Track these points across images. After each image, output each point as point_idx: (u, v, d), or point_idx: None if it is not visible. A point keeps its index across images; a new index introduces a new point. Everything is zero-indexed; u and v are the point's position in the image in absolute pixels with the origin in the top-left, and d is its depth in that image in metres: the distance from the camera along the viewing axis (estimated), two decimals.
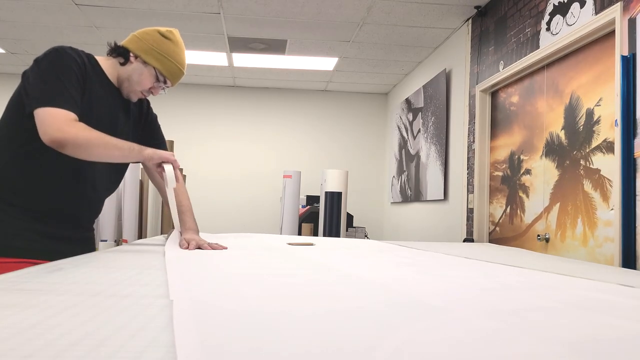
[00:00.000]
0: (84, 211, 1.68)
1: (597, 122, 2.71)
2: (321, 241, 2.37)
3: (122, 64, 1.65)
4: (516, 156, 3.53)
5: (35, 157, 1.53)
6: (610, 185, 2.56)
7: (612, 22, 2.52)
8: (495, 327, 0.69)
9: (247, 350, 0.54)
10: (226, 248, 1.79)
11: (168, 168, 1.59)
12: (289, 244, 2.12)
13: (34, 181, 1.54)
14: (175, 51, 1.68)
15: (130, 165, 1.91)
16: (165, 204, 1.92)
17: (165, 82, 1.70)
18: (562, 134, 3.02)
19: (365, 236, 5.82)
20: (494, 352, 0.57)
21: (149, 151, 1.56)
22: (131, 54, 1.65)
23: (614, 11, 2.49)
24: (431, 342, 0.60)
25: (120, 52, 1.65)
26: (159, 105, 7.57)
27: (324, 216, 4.83)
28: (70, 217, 1.63)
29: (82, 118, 1.50)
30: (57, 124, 1.40)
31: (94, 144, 1.44)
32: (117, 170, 1.77)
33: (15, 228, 1.51)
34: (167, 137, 2.02)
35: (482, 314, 0.77)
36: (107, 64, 1.65)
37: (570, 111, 2.95)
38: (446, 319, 0.73)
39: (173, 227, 1.92)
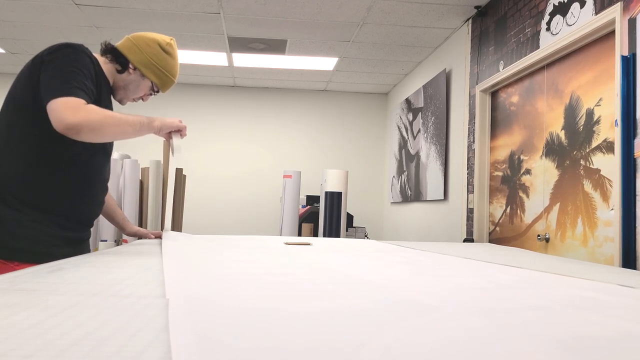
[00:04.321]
0: (96, 210, 1.71)
1: (597, 122, 2.71)
2: (319, 241, 2.37)
3: (119, 72, 1.65)
4: (516, 156, 3.53)
5: (54, 158, 1.52)
6: (610, 185, 2.56)
7: (612, 22, 2.52)
8: (486, 325, 0.69)
9: (240, 348, 0.54)
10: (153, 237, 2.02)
11: (176, 137, 1.68)
12: (286, 243, 2.12)
13: (54, 183, 1.53)
14: (173, 66, 1.72)
15: (130, 164, 1.94)
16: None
17: (157, 92, 1.75)
18: (562, 134, 3.02)
19: (365, 236, 5.82)
20: (483, 349, 0.57)
21: (158, 122, 1.60)
22: (130, 65, 1.65)
23: (614, 11, 2.49)
24: (421, 339, 0.60)
25: (119, 60, 1.65)
26: (159, 105, 7.50)
27: (324, 216, 4.83)
28: (86, 217, 1.66)
29: None
30: (68, 111, 1.39)
31: (108, 123, 1.43)
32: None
33: (41, 233, 1.50)
34: None
35: (474, 312, 0.78)
36: (107, 67, 1.65)
37: (570, 111, 2.95)
38: (437, 317, 0.73)
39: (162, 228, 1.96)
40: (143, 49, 1.65)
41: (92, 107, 1.44)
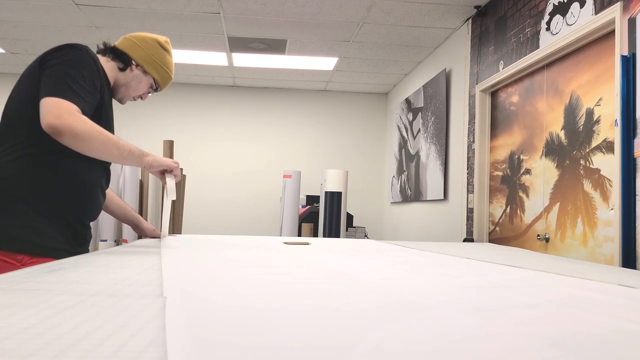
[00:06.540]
0: (99, 207, 1.71)
1: (597, 122, 2.71)
2: (318, 241, 2.37)
3: (122, 70, 1.67)
4: (516, 156, 3.53)
5: (59, 156, 1.51)
6: (610, 185, 2.56)
7: (612, 22, 2.52)
8: (476, 323, 0.70)
9: (237, 346, 0.54)
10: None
11: (170, 181, 1.62)
12: (285, 243, 2.12)
13: (60, 182, 1.52)
14: (171, 62, 1.77)
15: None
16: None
17: (156, 90, 1.78)
18: (562, 134, 3.02)
19: (365, 236, 5.83)
20: (479, 348, 0.58)
21: (150, 158, 1.58)
22: (133, 62, 1.68)
23: (614, 11, 2.49)
24: (415, 338, 0.61)
25: (122, 58, 1.67)
26: (159, 105, 7.49)
27: (324, 216, 4.84)
28: (91, 215, 1.66)
29: (95, 121, 1.51)
30: (56, 111, 1.38)
31: (92, 137, 1.41)
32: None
33: (49, 228, 1.50)
34: (167, 137, 2.07)
35: (466, 310, 0.78)
36: (108, 66, 1.66)
37: (570, 111, 2.95)
38: (429, 315, 0.73)
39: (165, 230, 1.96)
40: (144, 46, 1.70)
41: (82, 117, 1.42)
